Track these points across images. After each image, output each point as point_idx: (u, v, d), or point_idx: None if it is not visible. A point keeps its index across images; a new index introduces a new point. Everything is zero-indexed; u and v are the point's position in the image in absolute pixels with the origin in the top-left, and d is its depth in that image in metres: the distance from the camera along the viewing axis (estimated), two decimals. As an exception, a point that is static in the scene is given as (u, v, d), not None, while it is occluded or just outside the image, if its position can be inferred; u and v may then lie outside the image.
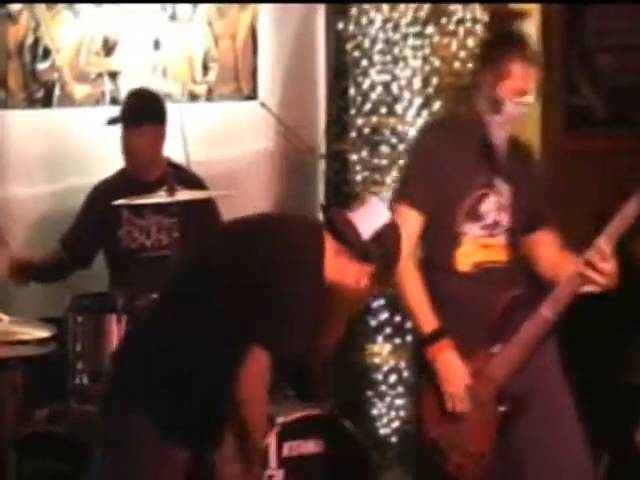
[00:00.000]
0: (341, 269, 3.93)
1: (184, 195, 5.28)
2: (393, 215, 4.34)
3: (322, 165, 6.49)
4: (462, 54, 6.61)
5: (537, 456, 4.49)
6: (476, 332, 4.47)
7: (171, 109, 5.76)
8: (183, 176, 5.59)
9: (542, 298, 4.48)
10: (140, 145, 5.63)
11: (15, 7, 6.07)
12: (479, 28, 6.62)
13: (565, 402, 4.57)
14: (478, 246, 4.52)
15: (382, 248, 3.93)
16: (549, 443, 4.50)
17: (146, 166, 5.67)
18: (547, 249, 4.58)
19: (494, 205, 4.54)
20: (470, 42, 6.60)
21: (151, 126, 5.65)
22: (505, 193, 4.55)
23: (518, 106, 4.55)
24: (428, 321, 4.48)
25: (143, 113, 5.66)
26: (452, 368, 4.44)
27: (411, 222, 4.52)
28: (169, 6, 6.30)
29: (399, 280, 4.49)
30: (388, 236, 4.02)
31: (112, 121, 5.63)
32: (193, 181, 5.67)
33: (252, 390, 3.72)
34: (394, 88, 6.55)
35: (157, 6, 6.28)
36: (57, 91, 6.16)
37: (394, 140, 6.55)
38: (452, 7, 6.63)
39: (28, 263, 5.68)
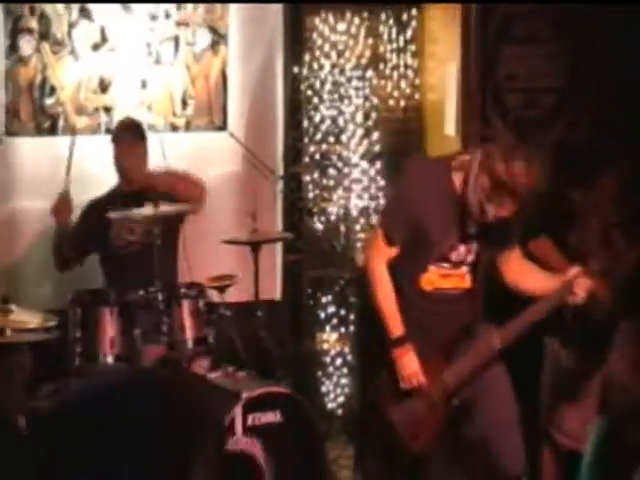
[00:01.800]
0: None
1: (165, 207, 5.26)
2: (374, 235, 4.52)
3: (280, 185, 6.45)
4: (395, 94, 6.62)
5: (476, 433, 4.49)
6: (431, 340, 4.50)
7: (155, 138, 5.80)
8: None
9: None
10: (125, 156, 5.66)
11: (26, 52, 6.04)
12: (410, 73, 6.65)
13: (509, 401, 4.57)
14: (440, 275, 4.50)
15: None
16: (491, 437, 4.48)
17: (132, 175, 5.68)
18: (512, 266, 4.55)
19: (463, 251, 4.50)
20: (402, 84, 6.63)
21: (133, 140, 5.70)
22: (473, 251, 4.51)
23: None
24: (396, 327, 4.48)
25: (126, 132, 5.72)
26: (410, 367, 4.46)
27: (389, 246, 4.49)
28: (154, 52, 6.22)
29: (373, 288, 4.52)
30: None
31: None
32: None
33: None
34: (340, 121, 6.61)
35: (144, 52, 6.21)
36: (61, 122, 6.14)
37: (340, 164, 6.60)
38: (388, 55, 6.61)
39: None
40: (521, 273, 4.57)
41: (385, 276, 4.50)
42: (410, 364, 4.48)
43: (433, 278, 4.50)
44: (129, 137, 5.73)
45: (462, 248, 4.47)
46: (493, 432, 4.47)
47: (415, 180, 4.53)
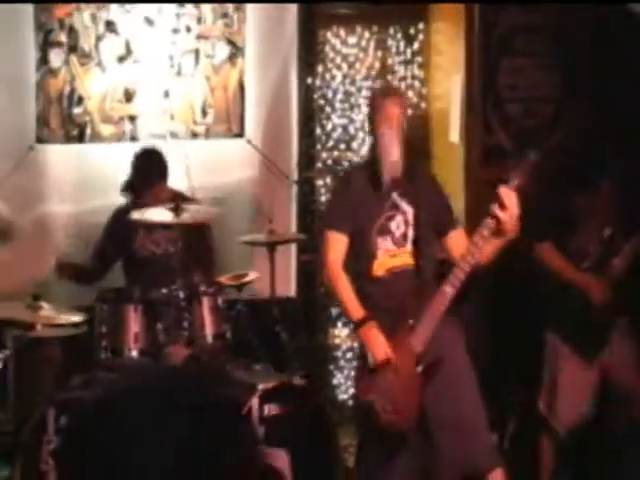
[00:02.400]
0: None
1: (186, 217, 5.25)
2: (324, 238, 4.60)
3: (295, 189, 6.45)
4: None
5: (443, 412, 4.48)
6: (392, 319, 4.50)
7: (176, 145, 5.79)
8: (187, 197, 5.66)
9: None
10: (149, 196, 5.59)
11: (55, 64, 6.06)
12: (417, 83, 6.66)
13: (467, 368, 4.57)
14: (389, 256, 4.58)
15: None
16: (452, 400, 4.49)
17: (155, 195, 5.60)
18: (457, 242, 4.57)
19: (400, 222, 4.62)
20: (410, 94, 6.60)
21: (157, 183, 5.65)
22: (407, 212, 4.62)
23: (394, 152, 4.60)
24: (356, 310, 4.54)
25: (151, 176, 5.64)
26: (377, 342, 4.47)
27: (338, 242, 4.58)
28: (176, 64, 6.22)
29: (332, 283, 4.59)
30: None
31: (125, 189, 5.69)
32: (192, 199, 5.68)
33: None
34: (351, 129, 6.61)
35: (166, 64, 6.21)
36: (88, 130, 6.16)
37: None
38: (396, 67, 6.60)
39: (72, 266, 5.67)
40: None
41: (340, 270, 4.58)
42: (376, 340, 4.49)
43: (383, 260, 4.58)
44: (152, 180, 5.65)
45: (399, 217, 4.61)
46: (460, 432, 4.48)
47: (341, 182, 4.91)
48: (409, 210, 4.62)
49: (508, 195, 4.32)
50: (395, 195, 4.60)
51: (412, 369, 4.49)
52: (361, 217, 4.59)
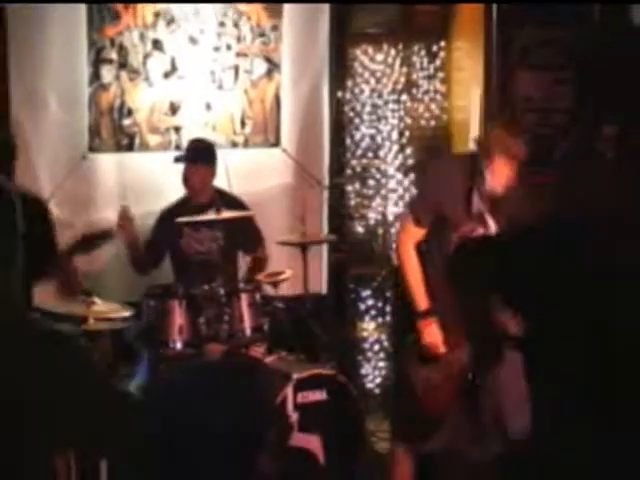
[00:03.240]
0: None
1: (226, 214, 5.35)
2: (405, 220, 4.56)
3: (326, 194, 6.46)
4: (426, 115, 6.61)
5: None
6: (452, 317, 4.47)
7: (218, 154, 5.73)
8: (227, 199, 5.66)
9: None
10: (196, 176, 5.65)
11: (106, 79, 6.06)
12: (439, 96, 6.63)
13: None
14: None
15: None
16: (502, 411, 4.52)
17: (200, 192, 5.66)
18: None
19: (479, 230, 4.52)
20: (432, 106, 6.62)
21: (204, 164, 5.67)
22: (492, 228, 4.51)
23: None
24: (422, 301, 4.52)
25: (199, 155, 5.68)
26: (433, 338, 4.49)
27: (414, 230, 4.55)
28: (217, 79, 6.22)
29: (403, 264, 4.57)
30: None
31: (178, 159, 5.67)
32: (235, 202, 5.69)
33: None
34: (378, 139, 6.59)
35: (208, 79, 6.21)
36: (137, 140, 6.17)
37: (378, 176, 6.59)
38: (420, 81, 6.59)
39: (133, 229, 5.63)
40: None
41: (413, 255, 4.55)
42: (432, 335, 4.51)
43: None
44: (201, 161, 5.69)
45: (480, 229, 4.50)
46: (504, 404, 4.48)
47: (435, 175, 4.75)
48: (492, 226, 4.51)
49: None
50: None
51: (458, 371, 4.51)
52: (444, 215, 4.51)
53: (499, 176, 4.42)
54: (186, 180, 5.68)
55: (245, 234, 5.69)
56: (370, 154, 6.61)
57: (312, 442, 5.03)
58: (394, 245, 4.61)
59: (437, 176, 4.71)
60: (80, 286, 4.92)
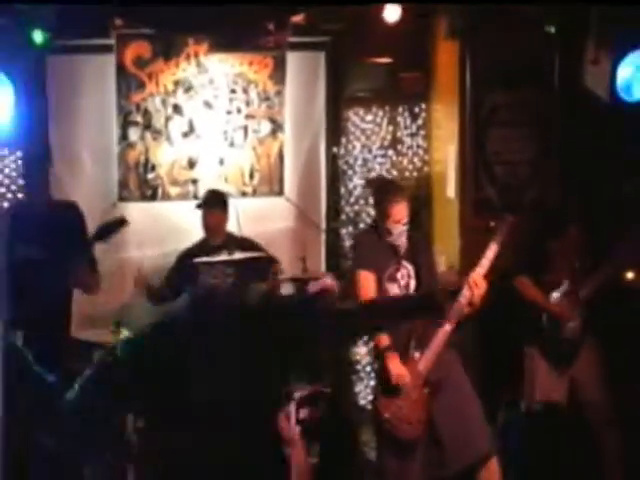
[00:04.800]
0: None
1: (237, 255, 5.35)
2: (356, 277, 4.66)
3: (323, 236, 6.48)
4: (410, 167, 6.59)
5: (449, 419, 4.56)
6: (405, 345, 4.60)
7: (230, 202, 5.75)
8: (240, 242, 5.65)
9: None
10: (212, 219, 5.65)
11: (133, 138, 6.12)
12: (420, 151, 6.60)
13: (465, 383, 4.67)
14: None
15: None
16: (456, 409, 4.57)
17: (215, 233, 5.64)
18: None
19: (404, 274, 4.71)
20: (415, 160, 6.60)
21: (218, 209, 5.68)
22: (409, 268, 4.72)
23: (399, 229, 4.68)
24: (383, 339, 4.64)
25: (214, 202, 5.69)
26: (397, 370, 4.55)
27: (369, 279, 4.67)
28: (229, 137, 6.25)
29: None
30: None
31: (199, 205, 5.68)
32: (245, 243, 5.67)
33: None
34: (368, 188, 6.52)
35: (221, 138, 6.24)
36: (160, 191, 6.24)
37: (368, 219, 6.49)
38: (404, 138, 6.56)
39: (148, 283, 5.66)
40: None
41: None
42: (397, 367, 4.56)
43: None
44: (215, 205, 5.70)
45: (403, 270, 4.71)
46: (463, 425, 4.54)
47: (362, 239, 4.99)
48: (409, 267, 4.73)
49: (478, 278, 4.49)
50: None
51: (421, 389, 4.54)
52: (376, 265, 4.69)
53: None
54: (204, 222, 5.68)
55: (256, 268, 5.63)
56: (362, 201, 6.60)
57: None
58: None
59: (367, 241, 4.87)
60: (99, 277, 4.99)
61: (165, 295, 5.72)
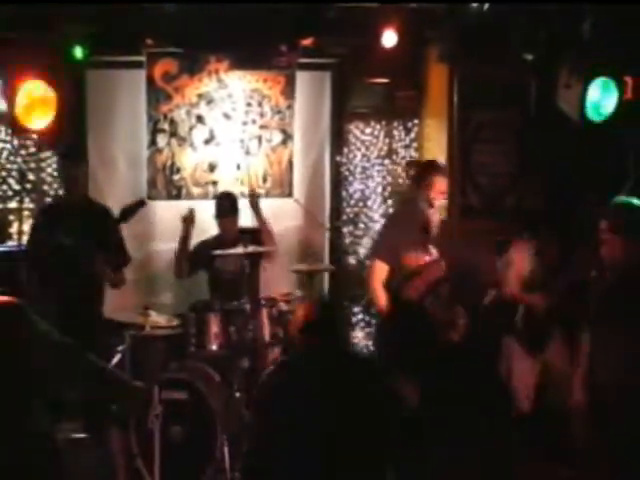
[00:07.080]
0: None
1: (250, 248, 5.29)
2: (372, 264, 4.54)
3: (327, 234, 6.41)
4: (403, 175, 6.56)
5: None
6: None
7: (245, 203, 5.69)
8: (250, 235, 5.58)
9: None
10: (224, 225, 5.60)
11: (161, 144, 6.05)
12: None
13: None
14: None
15: None
16: None
17: (228, 234, 5.58)
18: None
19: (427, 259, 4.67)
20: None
21: (229, 217, 5.60)
22: (434, 254, 4.67)
23: (440, 201, 4.73)
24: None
25: (225, 211, 5.59)
26: None
27: (383, 270, 4.64)
28: (245, 145, 6.20)
29: (376, 300, 4.70)
30: None
31: (215, 216, 5.60)
32: (257, 235, 5.57)
33: None
34: (367, 192, 6.57)
35: (238, 146, 6.19)
36: (184, 191, 6.19)
37: (366, 220, 6.57)
38: (399, 150, 6.53)
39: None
40: None
41: (381, 290, 4.68)
42: None
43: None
44: (227, 214, 5.61)
45: (427, 258, 4.69)
46: None
47: (389, 224, 4.98)
48: (434, 252, 4.70)
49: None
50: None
51: None
52: (399, 254, 4.63)
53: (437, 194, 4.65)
54: (220, 228, 5.65)
55: (261, 255, 5.61)
56: (361, 204, 6.60)
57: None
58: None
59: (394, 225, 4.87)
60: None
61: (184, 269, 5.63)
